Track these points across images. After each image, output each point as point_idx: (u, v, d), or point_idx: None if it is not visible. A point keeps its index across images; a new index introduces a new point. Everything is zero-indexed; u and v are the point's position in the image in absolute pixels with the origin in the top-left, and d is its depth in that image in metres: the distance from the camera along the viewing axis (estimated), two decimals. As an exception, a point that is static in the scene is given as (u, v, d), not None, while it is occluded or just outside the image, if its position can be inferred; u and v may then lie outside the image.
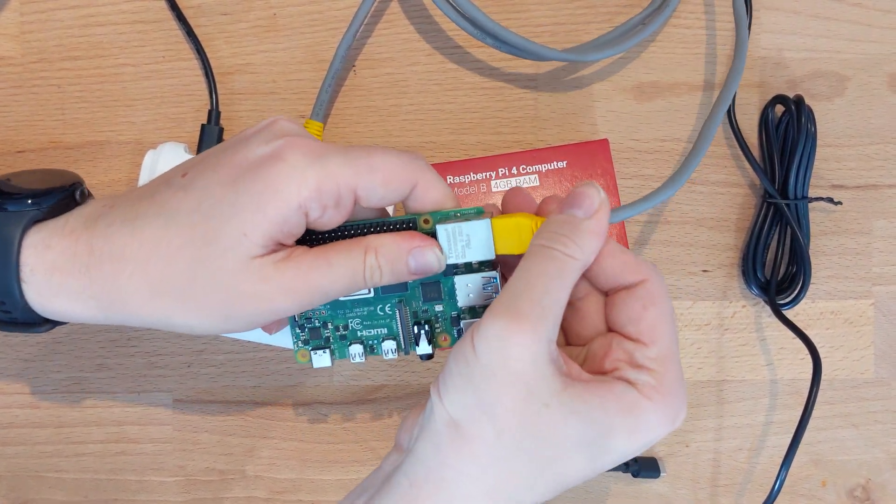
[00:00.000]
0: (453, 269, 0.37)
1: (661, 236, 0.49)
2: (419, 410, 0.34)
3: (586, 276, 0.34)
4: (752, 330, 0.49)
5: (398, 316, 0.37)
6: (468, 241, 0.35)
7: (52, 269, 0.35)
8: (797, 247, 0.47)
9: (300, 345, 0.38)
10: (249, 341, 0.48)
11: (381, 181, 0.34)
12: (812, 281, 0.48)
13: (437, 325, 0.37)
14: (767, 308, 0.49)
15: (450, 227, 0.35)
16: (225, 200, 0.33)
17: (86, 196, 0.38)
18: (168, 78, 0.49)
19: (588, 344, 0.35)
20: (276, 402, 0.49)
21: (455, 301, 0.37)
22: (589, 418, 0.31)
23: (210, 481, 0.49)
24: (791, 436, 0.45)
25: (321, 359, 0.38)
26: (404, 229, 0.35)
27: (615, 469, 0.48)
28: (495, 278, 0.36)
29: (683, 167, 0.43)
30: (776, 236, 0.48)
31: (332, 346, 0.38)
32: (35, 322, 0.36)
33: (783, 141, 0.48)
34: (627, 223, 0.48)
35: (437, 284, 0.37)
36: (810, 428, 0.49)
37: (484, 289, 0.36)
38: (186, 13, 0.48)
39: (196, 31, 0.48)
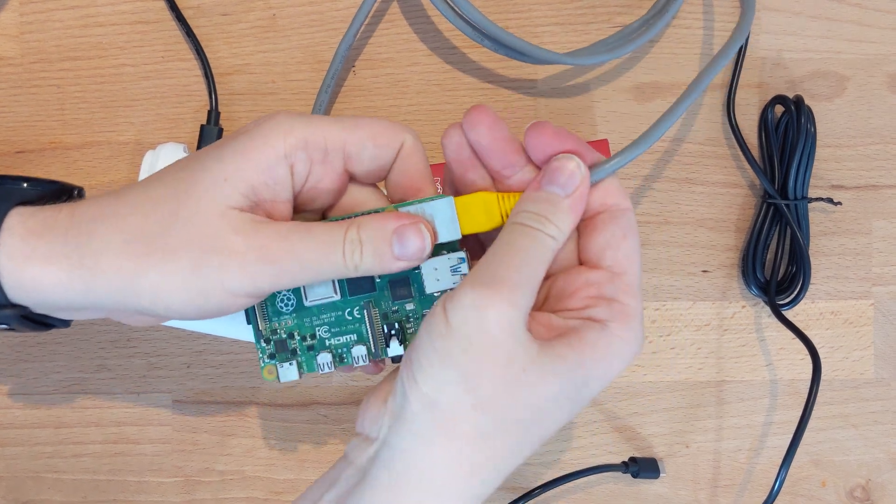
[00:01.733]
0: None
1: (661, 236, 0.49)
2: (381, 395, 0.33)
3: None
4: (752, 330, 0.49)
5: (367, 318, 0.35)
6: (432, 221, 0.33)
7: (30, 232, 0.32)
8: (797, 247, 0.47)
9: (266, 360, 0.36)
10: (249, 342, 0.48)
11: (368, 135, 0.33)
12: (812, 281, 0.48)
13: (408, 326, 0.35)
14: (767, 308, 0.49)
15: (411, 208, 0.33)
16: (210, 155, 0.32)
17: (83, 196, 0.38)
18: (167, 78, 0.49)
19: (551, 279, 0.33)
20: (275, 403, 0.49)
21: (425, 297, 0.35)
22: (568, 376, 0.30)
23: (209, 482, 0.49)
24: (791, 436, 0.45)
25: (287, 372, 0.35)
26: None
27: (615, 469, 0.48)
28: (463, 259, 0.34)
29: (675, 106, 0.37)
30: (776, 237, 0.48)
31: (300, 359, 0.36)
32: (2, 304, 0.33)
33: (783, 141, 0.48)
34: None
35: (405, 281, 0.35)
36: (810, 428, 0.49)
37: (452, 272, 0.34)
38: (186, 14, 0.48)
39: (195, 31, 0.48)
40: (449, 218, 0.34)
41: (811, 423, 0.49)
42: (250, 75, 0.49)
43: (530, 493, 0.47)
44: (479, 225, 0.34)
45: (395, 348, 0.35)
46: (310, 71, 0.49)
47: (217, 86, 0.48)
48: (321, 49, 0.49)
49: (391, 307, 0.35)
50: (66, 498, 0.49)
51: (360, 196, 0.35)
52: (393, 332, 0.35)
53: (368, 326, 0.35)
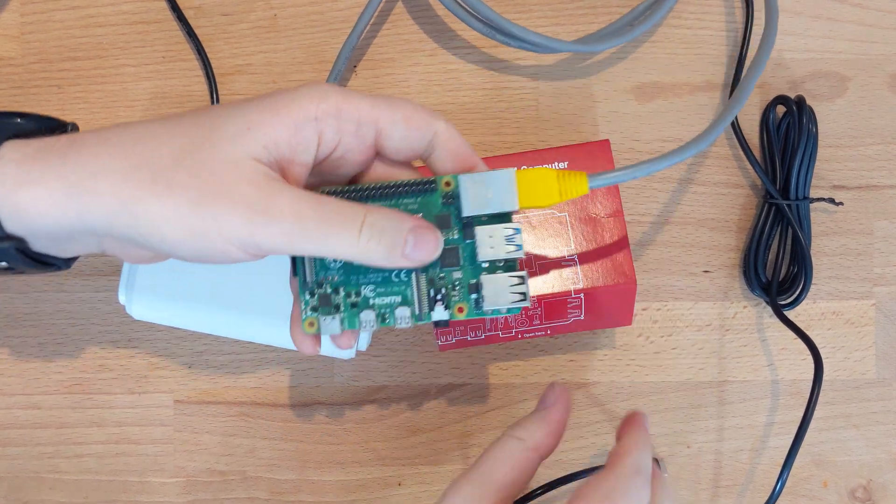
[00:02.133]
0: (476, 221, 0.35)
1: (662, 237, 0.49)
2: None
3: None
4: (754, 331, 0.49)
5: (414, 282, 0.35)
6: (490, 192, 0.34)
7: (26, 157, 0.32)
8: (798, 247, 0.47)
9: (308, 312, 0.35)
10: (250, 342, 0.48)
11: (402, 117, 0.33)
12: (813, 281, 0.48)
13: (453, 294, 0.35)
14: (769, 309, 0.49)
15: (473, 176, 0.35)
16: (235, 104, 0.32)
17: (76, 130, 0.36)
18: (168, 79, 0.49)
19: None
20: (276, 403, 0.49)
21: (474, 267, 0.35)
22: None
23: (211, 482, 0.49)
24: (792, 436, 0.45)
25: (330, 325, 0.35)
26: (427, 187, 0.35)
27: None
28: (518, 230, 0.35)
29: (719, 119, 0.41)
30: (777, 237, 0.48)
31: (343, 314, 0.35)
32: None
33: (784, 141, 0.48)
34: (628, 224, 0.48)
35: (455, 250, 0.35)
36: (812, 429, 0.49)
37: (507, 242, 0.35)
38: (187, 14, 0.48)
39: (197, 31, 0.48)
40: (509, 190, 0.34)
41: (813, 424, 0.49)
42: (251, 76, 0.49)
43: (532, 494, 0.47)
44: (538, 200, 0.35)
45: (439, 313, 0.35)
46: (311, 71, 0.49)
47: (218, 86, 0.48)
48: (322, 49, 0.49)
49: (438, 273, 0.35)
50: (67, 498, 0.48)
51: (386, 172, 0.36)
52: (439, 297, 0.35)
53: (415, 290, 0.35)
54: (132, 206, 0.31)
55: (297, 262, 0.35)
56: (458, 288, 0.35)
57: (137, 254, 0.35)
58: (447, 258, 0.35)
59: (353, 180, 0.36)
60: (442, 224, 0.35)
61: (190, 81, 0.49)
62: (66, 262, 0.36)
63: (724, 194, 0.49)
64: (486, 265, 0.35)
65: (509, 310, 0.35)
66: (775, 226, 0.48)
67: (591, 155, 0.45)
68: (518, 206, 0.35)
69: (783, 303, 0.47)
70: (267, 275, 0.45)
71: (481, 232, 0.35)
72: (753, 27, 0.49)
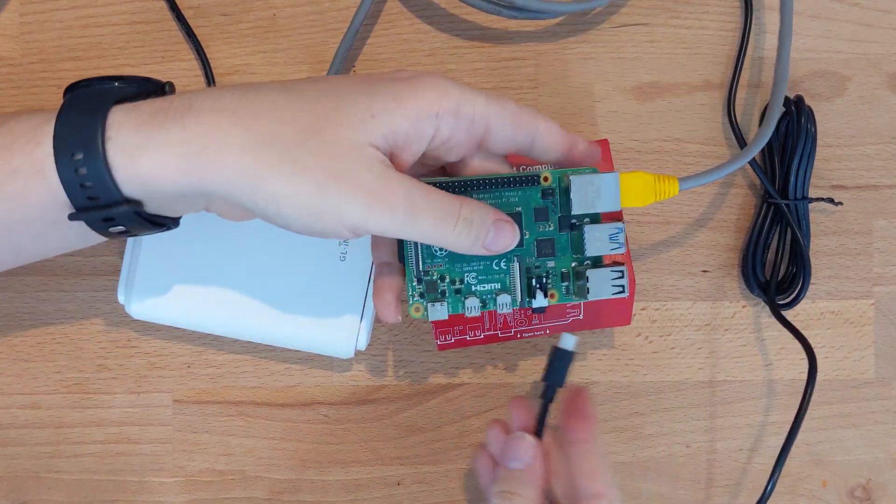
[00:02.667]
0: (581, 220, 0.39)
1: (660, 236, 0.49)
2: None
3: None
4: (752, 330, 0.49)
5: (514, 270, 0.39)
6: (598, 193, 0.37)
7: (140, 122, 0.32)
8: (797, 247, 0.47)
9: (415, 298, 0.38)
10: (250, 342, 0.48)
11: (511, 117, 0.35)
12: (812, 281, 0.48)
13: (548, 282, 0.39)
14: (767, 308, 0.49)
15: (584, 178, 0.37)
16: (358, 86, 0.33)
17: (174, 92, 0.37)
18: (167, 78, 0.49)
19: None
20: (276, 403, 0.49)
21: (567, 257, 0.39)
22: None
23: (210, 482, 0.49)
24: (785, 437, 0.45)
25: (438, 311, 0.38)
26: (528, 182, 0.38)
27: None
28: (621, 229, 0.38)
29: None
30: (776, 236, 0.48)
31: (448, 300, 0.38)
32: (114, 201, 0.33)
33: (783, 141, 0.48)
34: (627, 224, 0.48)
35: (551, 241, 0.39)
36: (811, 428, 0.49)
37: (611, 239, 0.38)
38: (186, 14, 0.48)
39: (196, 31, 0.48)
40: (613, 191, 0.38)
41: (812, 423, 0.49)
42: (251, 75, 0.49)
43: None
44: (636, 200, 0.39)
45: (540, 300, 0.39)
46: (310, 71, 0.49)
47: (217, 86, 0.48)
48: (322, 49, 0.49)
49: (534, 263, 0.39)
50: (66, 498, 0.49)
51: (483, 164, 0.38)
52: (539, 285, 0.39)
53: (517, 277, 0.39)
54: (257, 180, 0.32)
55: (404, 250, 0.38)
56: (551, 276, 0.39)
57: (243, 215, 0.36)
58: (543, 248, 0.39)
59: (450, 167, 0.38)
60: (539, 216, 0.39)
61: (189, 81, 0.49)
62: (175, 221, 0.37)
63: (723, 194, 0.49)
64: (585, 259, 0.39)
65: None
66: (774, 225, 0.48)
67: (590, 155, 0.45)
68: (620, 206, 0.38)
69: (782, 302, 0.47)
70: (267, 275, 0.45)
71: (590, 231, 0.38)
72: (753, 27, 0.49)
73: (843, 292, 0.49)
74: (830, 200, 0.48)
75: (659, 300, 0.49)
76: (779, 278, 0.48)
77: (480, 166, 0.38)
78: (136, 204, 0.34)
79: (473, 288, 0.39)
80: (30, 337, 0.48)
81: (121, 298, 0.45)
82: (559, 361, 0.39)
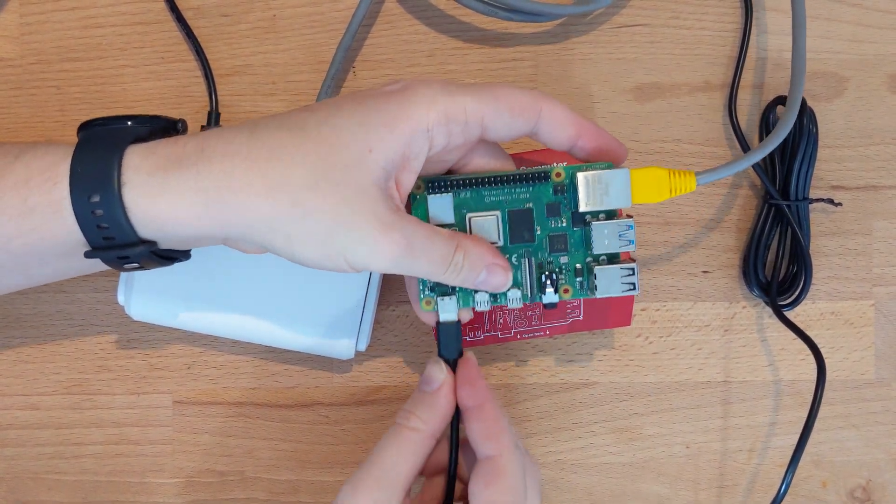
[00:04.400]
0: (595, 216, 0.38)
1: (661, 237, 0.49)
2: None
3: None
4: (753, 331, 0.49)
5: (525, 266, 0.39)
6: (606, 190, 0.37)
7: (156, 167, 0.33)
8: (798, 248, 0.47)
9: (426, 292, 0.39)
10: (250, 342, 0.48)
11: (506, 107, 0.35)
12: (812, 282, 0.48)
13: (560, 277, 0.39)
14: (768, 309, 0.49)
15: (590, 175, 0.37)
16: (354, 117, 0.34)
17: (186, 129, 0.38)
18: (167, 79, 0.49)
19: None
20: (275, 404, 0.49)
21: (581, 252, 0.39)
22: None
23: (210, 483, 0.49)
24: (793, 437, 0.45)
25: (445, 305, 0.38)
26: (539, 178, 0.38)
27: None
28: (630, 226, 0.38)
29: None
30: (776, 237, 0.48)
31: (458, 294, 0.39)
32: (130, 242, 0.34)
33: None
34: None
35: (563, 237, 0.39)
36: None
37: (620, 236, 0.38)
38: (186, 14, 0.48)
39: (196, 32, 0.48)
40: (623, 187, 0.37)
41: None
42: (251, 76, 0.49)
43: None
44: (649, 197, 0.38)
45: (549, 296, 0.39)
46: (310, 72, 0.49)
47: (217, 87, 0.48)
48: (322, 50, 0.49)
49: (546, 258, 0.39)
50: (66, 499, 0.48)
51: (482, 154, 0.38)
52: (550, 281, 0.39)
53: (528, 272, 0.39)
54: (272, 224, 0.34)
55: None
56: (564, 272, 0.39)
57: (257, 251, 0.37)
58: (556, 244, 0.39)
59: (457, 165, 0.39)
60: (552, 212, 0.39)
61: (189, 82, 0.49)
62: (187, 255, 0.38)
63: (723, 195, 0.49)
64: (603, 257, 0.39)
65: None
66: (775, 226, 0.48)
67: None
68: (631, 203, 0.37)
69: (782, 303, 0.47)
70: (266, 275, 0.45)
71: (597, 229, 0.38)
72: (752, 28, 0.49)
73: (842, 293, 0.49)
74: (830, 201, 0.48)
75: (659, 300, 0.49)
76: (779, 279, 0.48)
77: (485, 165, 0.39)
78: (151, 244, 0.35)
79: None
80: (31, 338, 0.48)
81: (121, 300, 0.45)
82: (445, 334, 0.39)
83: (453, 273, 0.36)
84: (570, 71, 0.49)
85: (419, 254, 0.35)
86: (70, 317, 0.48)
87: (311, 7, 0.49)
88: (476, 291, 0.38)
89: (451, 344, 0.39)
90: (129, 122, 0.36)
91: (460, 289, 0.39)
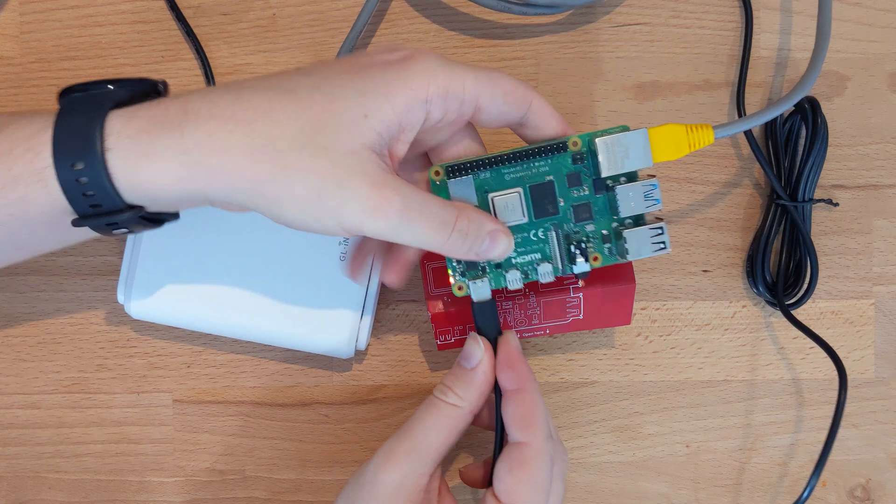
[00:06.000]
0: (616, 181, 0.38)
1: (661, 236, 0.49)
2: None
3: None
4: (753, 330, 0.49)
5: (553, 239, 0.39)
6: (626, 152, 0.37)
7: (140, 131, 0.33)
8: (803, 248, 0.47)
9: (457, 277, 0.39)
10: (250, 342, 0.48)
11: (501, 93, 0.35)
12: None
13: (589, 245, 0.39)
14: (768, 308, 0.49)
15: (609, 139, 0.38)
16: (350, 84, 0.33)
17: (168, 91, 0.37)
18: (167, 78, 0.49)
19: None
20: (276, 403, 0.49)
21: (606, 219, 0.39)
22: None
23: (210, 482, 0.49)
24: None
25: (478, 288, 0.39)
26: (557, 149, 0.38)
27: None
28: (655, 185, 0.38)
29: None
30: (780, 237, 0.48)
31: (489, 276, 0.39)
32: (117, 208, 0.34)
33: (787, 141, 0.48)
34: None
35: (587, 205, 0.39)
36: (811, 428, 0.49)
37: (646, 197, 0.38)
38: (186, 13, 0.48)
39: (195, 31, 0.48)
40: (642, 147, 0.38)
41: (812, 423, 0.49)
42: (251, 75, 0.49)
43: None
44: (669, 154, 0.38)
45: (581, 265, 0.39)
46: (310, 70, 0.49)
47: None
48: (321, 49, 0.49)
49: (573, 228, 0.39)
50: (67, 498, 0.49)
51: (464, 137, 0.38)
52: (578, 250, 0.39)
53: (556, 245, 0.39)
54: (257, 186, 0.33)
55: None
56: (592, 239, 0.39)
57: (243, 210, 0.36)
58: (580, 213, 0.39)
59: (438, 148, 0.38)
60: (573, 182, 0.39)
61: (189, 81, 0.49)
62: (175, 216, 0.38)
63: (723, 193, 0.49)
64: (629, 220, 0.39)
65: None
66: (779, 226, 0.48)
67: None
68: (652, 162, 0.38)
69: (787, 303, 0.47)
70: (266, 274, 0.45)
71: (622, 191, 0.38)
72: (753, 27, 0.49)
73: (843, 292, 0.49)
74: (830, 202, 0.48)
75: (659, 300, 0.49)
76: (784, 279, 0.48)
77: (465, 150, 0.39)
78: (138, 209, 0.34)
79: (513, 261, 0.39)
80: (30, 337, 0.48)
81: (120, 298, 0.45)
82: (481, 314, 0.39)
83: (458, 240, 0.35)
84: (570, 69, 0.49)
85: (416, 215, 0.34)
86: (70, 316, 0.48)
87: (311, 6, 0.49)
88: (507, 271, 0.39)
89: (488, 322, 0.39)
90: (110, 87, 0.35)
91: (491, 269, 0.39)
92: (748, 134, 0.48)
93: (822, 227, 0.49)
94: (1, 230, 0.34)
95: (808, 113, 0.46)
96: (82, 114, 0.33)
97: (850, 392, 0.49)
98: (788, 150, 0.48)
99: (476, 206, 0.38)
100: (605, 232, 0.39)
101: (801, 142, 0.48)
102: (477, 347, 0.39)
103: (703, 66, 0.49)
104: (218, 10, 0.49)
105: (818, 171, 0.47)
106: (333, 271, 0.44)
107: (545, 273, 0.39)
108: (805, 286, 0.47)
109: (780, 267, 0.48)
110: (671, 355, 0.49)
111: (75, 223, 0.34)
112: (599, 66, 0.49)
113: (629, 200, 0.38)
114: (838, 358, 0.45)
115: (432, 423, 0.38)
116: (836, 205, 0.48)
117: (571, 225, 0.39)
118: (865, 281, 0.49)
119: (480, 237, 0.36)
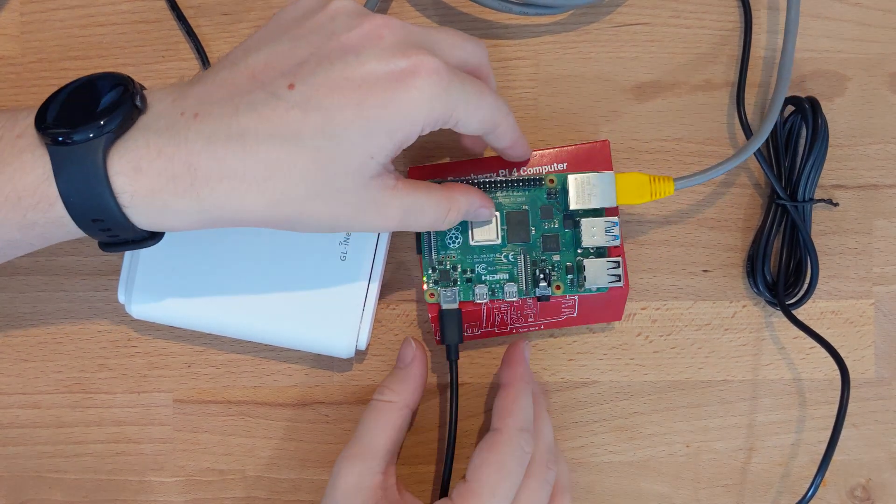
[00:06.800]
0: (578, 215, 0.43)
1: (661, 236, 0.49)
2: None
3: None
4: (753, 330, 0.49)
5: (521, 263, 0.43)
6: (594, 190, 0.42)
7: (152, 192, 0.34)
8: (803, 248, 0.47)
9: (430, 285, 0.43)
10: (250, 341, 0.48)
11: (478, 120, 0.38)
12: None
13: (553, 274, 0.43)
14: (768, 308, 0.49)
15: (580, 177, 0.42)
16: (353, 126, 0.35)
17: (144, 98, 0.36)
18: (168, 78, 0.49)
19: None
20: (276, 403, 0.49)
21: (571, 252, 0.43)
22: None
23: (210, 482, 0.49)
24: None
25: (449, 297, 0.43)
26: (535, 183, 0.44)
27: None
28: (615, 223, 0.42)
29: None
30: (780, 237, 0.48)
31: (459, 288, 0.43)
32: (139, 239, 0.37)
33: (787, 141, 0.48)
34: (627, 223, 0.48)
35: (555, 237, 0.43)
36: (811, 428, 0.49)
37: (606, 231, 0.42)
38: (187, 13, 0.48)
39: (196, 31, 0.48)
40: (608, 189, 0.42)
41: (812, 423, 0.49)
42: (251, 75, 0.49)
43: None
44: (632, 198, 0.43)
45: (542, 289, 0.43)
46: (310, 70, 0.49)
47: (218, 85, 0.48)
48: (322, 49, 0.49)
49: (541, 256, 0.43)
50: (67, 497, 0.49)
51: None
52: (543, 276, 0.43)
53: (522, 269, 0.43)
54: (276, 225, 0.37)
55: (421, 242, 0.43)
56: (556, 269, 0.43)
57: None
58: (549, 243, 0.43)
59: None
60: (545, 214, 0.43)
61: (189, 81, 0.49)
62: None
63: (723, 193, 0.49)
64: (580, 250, 0.43)
65: (599, 288, 0.43)
66: (780, 226, 0.48)
67: (590, 155, 0.45)
68: (616, 203, 0.42)
69: (788, 303, 0.47)
70: (267, 274, 0.45)
71: (586, 224, 0.42)
72: (753, 27, 0.49)
73: (843, 292, 0.49)
74: (829, 202, 0.48)
75: (659, 300, 0.49)
76: (785, 279, 0.48)
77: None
78: (158, 236, 0.38)
79: (483, 277, 0.43)
80: (30, 337, 0.48)
81: (121, 298, 0.45)
82: (448, 321, 0.43)
83: (449, 224, 0.40)
84: (570, 70, 0.49)
85: (413, 223, 0.39)
86: (70, 315, 0.48)
87: (312, 6, 0.49)
88: (476, 285, 0.43)
89: (452, 330, 0.43)
90: (102, 122, 0.33)
91: (461, 283, 0.43)
92: (748, 133, 0.48)
93: (823, 227, 0.49)
94: (16, 250, 0.37)
95: (809, 113, 0.47)
96: (83, 173, 0.33)
97: (851, 392, 0.49)
98: (789, 150, 0.48)
99: (466, 188, 0.42)
100: (568, 264, 0.43)
101: (802, 142, 0.48)
102: (409, 348, 0.44)
103: (703, 66, 0.49)
104: (219, 9, 0.49)
105: (818, 172, 0.47)
106: (334, 271, 0.44)
107: (510, 292, 0.43)
108: (805, 286, 0.47)
109: (781, 267, 0.48)
110: (671, 355, 0.49)
111: (101, 248, 0.38)
112: (599, 67, 0.49)
113: (591, 233, 0.42)
114: (840, 357, 0.45)
115: (374, 424, 0.42)
116: (837, 205, 0.49)
117: (540, 252, 0.43)
118: (865, 281, 0.49)
119: (469, 216, 0.42)
